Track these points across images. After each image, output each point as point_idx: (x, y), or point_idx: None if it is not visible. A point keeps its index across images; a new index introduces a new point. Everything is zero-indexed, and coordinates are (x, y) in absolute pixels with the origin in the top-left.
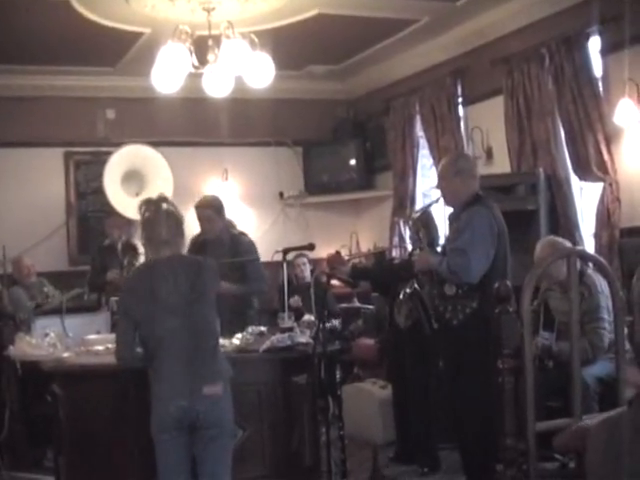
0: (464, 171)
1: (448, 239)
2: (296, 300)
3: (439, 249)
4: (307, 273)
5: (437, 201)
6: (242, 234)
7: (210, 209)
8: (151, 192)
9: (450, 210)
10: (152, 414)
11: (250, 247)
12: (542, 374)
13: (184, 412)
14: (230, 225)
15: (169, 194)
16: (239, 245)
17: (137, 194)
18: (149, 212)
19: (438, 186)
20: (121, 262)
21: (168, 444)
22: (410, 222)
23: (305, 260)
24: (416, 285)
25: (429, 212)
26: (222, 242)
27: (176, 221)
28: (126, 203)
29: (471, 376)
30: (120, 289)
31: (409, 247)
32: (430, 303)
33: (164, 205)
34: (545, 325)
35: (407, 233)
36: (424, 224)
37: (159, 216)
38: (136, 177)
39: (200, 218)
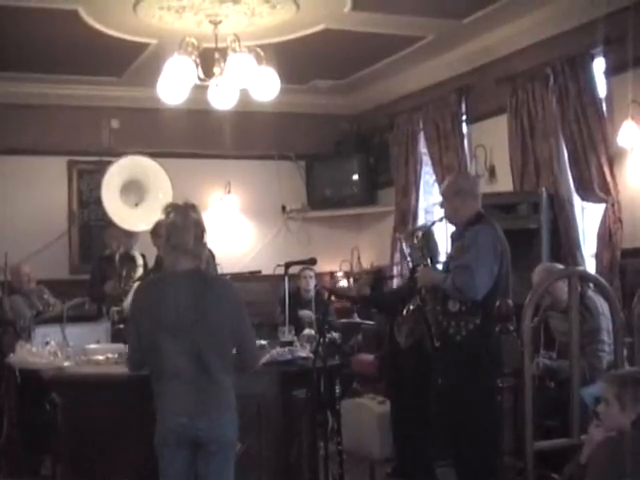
0: (464, 191)
1: (451, 257)
2: (308, 314)
3: (439, 266)
4: (311, 287)
5: (441, 220)
6: None
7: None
8: (151, 203)
9: (452, 229)
10: (156, 428)
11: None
12: (540, 393)
13: (184, 429)
14: None
15: None
16: None
17: (137, 205)
18: (177, 218)
19: (442, 205)
20: (119, 273)
21: (169, 459)
22: (415, 238)
23: (312, 274)
24: (419, 302)
25: (430, 230)
26: None
27: (202, 231)
28: (125, 214)
29: (473, 392)
30: (132, 298)
31: (409, 264)
32: (433, 320)
33: (192, 213)
34: (546, 345)
35: (407, 250)
36: (426, 241)
37: (188, 224)
38: (135, 188)
39: (155, 245)
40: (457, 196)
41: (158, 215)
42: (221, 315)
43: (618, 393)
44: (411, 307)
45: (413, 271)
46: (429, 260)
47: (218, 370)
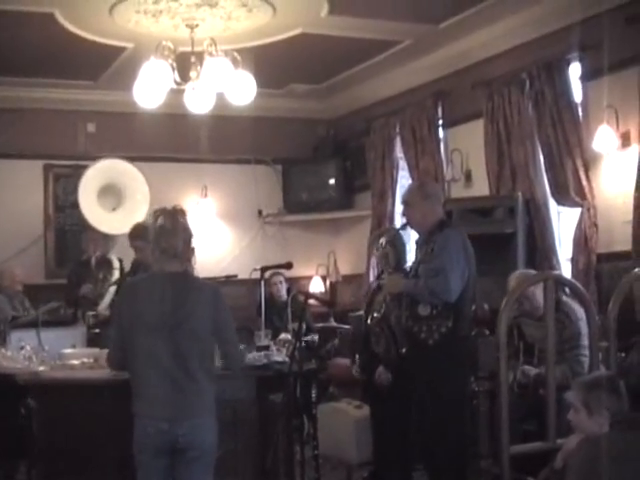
0: (432, 196)
1: (420, 262)
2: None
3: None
4: (283, 292)
5: (404, 228)
6: None
7: (138, 240)
8: (129, 207)
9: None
10: (134, 433)
11: None
12: (519, 397)
13: (163, 435)
14: None
15: (145, 209)
16: None
17: (114, 209)
18: (167, 222)
19: (404, 213)
20: (95, 277)
21: (147, 466)
22: (379, 244)
23: (282, 279)
24: (384, 310)
25: (399, 233)
26: None
27: (190, 236)
28: (102, 218)
29: (446, 395)
30: (118, 296)
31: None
32: (399, 326)
33: (181, 218)
34: (525, 352)
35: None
36: (393, 245)
37: (177, 228)
38: (113, 192)
39: (132, 248)
40: (426, 201)
41: (136, 219)
42: (204, 317)
43: (584, 399)
44: (375, 315)
45: (378, 278)
46: (393, 266)
47: (199, 372)
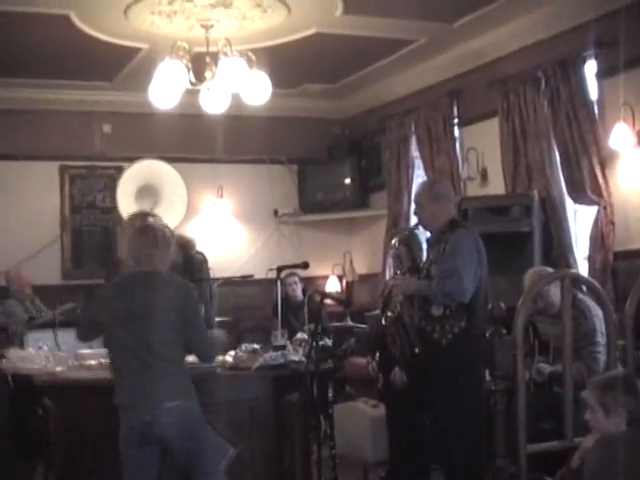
0: (441, 196)
1: (432, 261)
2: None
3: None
4: (299, 292)
5: (417, 227)
6: (198, 253)
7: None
8: (166, 208)
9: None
10: (120, 426)
11: (200, 265)
12: (537, 396)
13: (148, 427)
14: (188, 245)
15: (182, 211)
16: (192, 265)
17: (151, 209)
18: (144, 233)
19: (415, 212)
20: None
21: (134, 459)
22: (392, 244)
23: (296, 279)
24: (399, 309)
25: (413, 232)
26: (175, 265)
27: (165, 241)
28: None
29: (460, 395)
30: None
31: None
32: (412, 326)
33: (158, 226)
34: (540, 350)
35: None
36: (406, 244)
37: (155, 238)
38: (150, 193)
39: None
40: (436, 201)
41: (172, 220)
42: (171, 310)
43: (600, 399)
44: (389, 314)
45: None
46: (407, 267)
47: (170, 359)
